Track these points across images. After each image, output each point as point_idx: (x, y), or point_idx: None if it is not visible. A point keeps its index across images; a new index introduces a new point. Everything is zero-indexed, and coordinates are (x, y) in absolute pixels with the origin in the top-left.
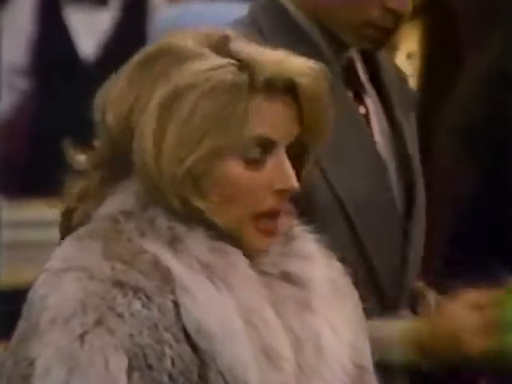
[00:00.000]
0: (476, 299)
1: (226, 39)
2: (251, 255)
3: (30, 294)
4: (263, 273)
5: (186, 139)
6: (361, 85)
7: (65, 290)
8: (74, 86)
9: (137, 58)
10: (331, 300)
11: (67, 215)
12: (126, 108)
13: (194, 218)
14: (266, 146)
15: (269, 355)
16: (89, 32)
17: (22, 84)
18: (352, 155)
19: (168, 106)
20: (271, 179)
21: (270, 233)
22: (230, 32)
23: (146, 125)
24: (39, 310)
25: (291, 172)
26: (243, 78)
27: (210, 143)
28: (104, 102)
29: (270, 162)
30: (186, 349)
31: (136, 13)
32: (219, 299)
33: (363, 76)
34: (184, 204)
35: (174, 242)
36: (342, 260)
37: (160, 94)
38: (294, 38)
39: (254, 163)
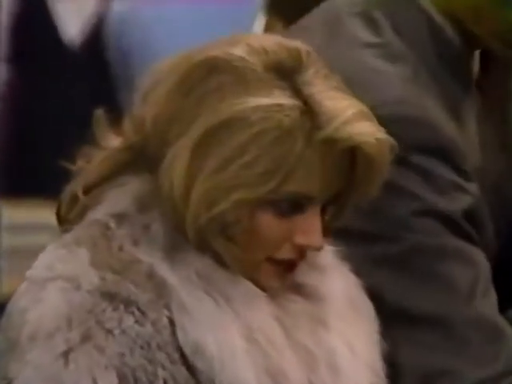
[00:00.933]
0: None
1: (297, 67)
2: None
3: (9, 306)
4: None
5: (221, 184)
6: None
7: (48, 302)
8: (59, 75)
9: (192, 59)
10: (347, 316)
11: (75, 199)
12: (166, 116)
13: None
14: (303, 201)
15: (273, 375)
16: (74, 16)
17: (3, 72)
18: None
19: (209, 140)
20: (295, 231)
21: (284, 277)
22: (303, 51)
23: (181, 157)
24: (19, 325)
25: (318, 229)
26: (303, 126)
27: (246, 193)
28: (149, 90)
29: (301, 215)
30: (181, 370)
31: None
32: (219, 316)
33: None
34: (200, 239)
35: (171, 251)
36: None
37: (204, 122)
38: (435, 42)
39: (283, 213)
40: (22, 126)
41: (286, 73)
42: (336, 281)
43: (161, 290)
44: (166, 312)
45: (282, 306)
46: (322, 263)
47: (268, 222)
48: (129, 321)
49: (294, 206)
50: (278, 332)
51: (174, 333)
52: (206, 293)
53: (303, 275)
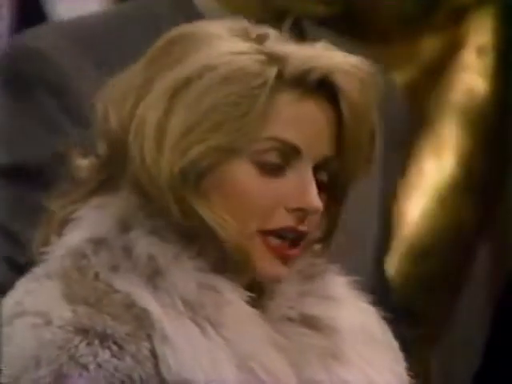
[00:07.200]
0: None
1: (264, 37)
2: (260, 294)
3: None
4: (278, 318)
5: (193, 127)
6: None
7: (16, 341)
8: None
9: (152, 48)
10: (366, 349)
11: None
12: (130, 102)
13: (185, 240)
14: (287, 152)
15: None
16: None
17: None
18: None
19: (178, 90)
20: (288, 194)
21: (284, 256)
22: (270, 31)
23: (150, 109)
24: None
25: (313, 189)
26: (271, 69)
27: (219, 137)
28: (107, 99)
29: (291, 175)
30: None
31: None
32: (206, 345)
33: None
34: (182, 208)
35: (153, 277)
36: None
37: (171, 77)
38: None
39: (269, 170)
40: None
41: (251, 36)
42: (350, 311)
43: (141, 320)
44: (146, 344)
45: (290, 338)
46: (334, 294)
47: (252, 180)
48: (105, 355)
49: (278, 156)
50: (276, 359)
51: (156, 366)
52: (191, 321)
53: (314, 307)
